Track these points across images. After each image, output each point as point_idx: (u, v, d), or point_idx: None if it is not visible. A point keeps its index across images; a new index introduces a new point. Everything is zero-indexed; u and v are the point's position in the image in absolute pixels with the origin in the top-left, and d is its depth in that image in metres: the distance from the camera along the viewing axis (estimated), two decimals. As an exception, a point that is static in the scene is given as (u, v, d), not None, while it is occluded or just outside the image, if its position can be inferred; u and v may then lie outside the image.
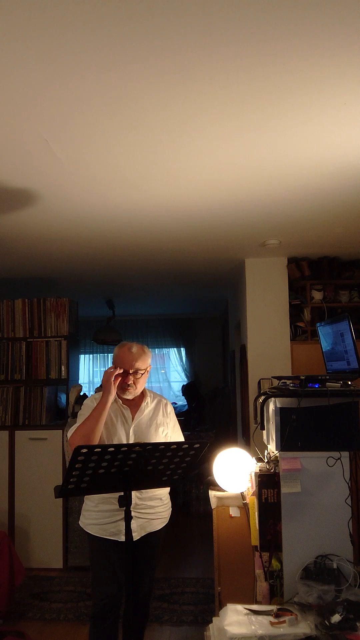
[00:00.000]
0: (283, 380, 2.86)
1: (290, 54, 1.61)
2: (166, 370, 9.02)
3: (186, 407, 8.36)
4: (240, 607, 2.28)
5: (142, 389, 2.64)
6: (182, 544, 4.97)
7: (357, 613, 2.12)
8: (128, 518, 2.15)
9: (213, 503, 2.95)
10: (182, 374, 8.87)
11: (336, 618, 2.09)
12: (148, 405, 2.65)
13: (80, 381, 5.91)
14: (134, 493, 2.41)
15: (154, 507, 2.55)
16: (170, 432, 2.69)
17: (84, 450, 1.95)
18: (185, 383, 8.66)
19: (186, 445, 2.11)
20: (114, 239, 3.72)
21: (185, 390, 8.49)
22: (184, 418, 7.70)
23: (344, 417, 2.51)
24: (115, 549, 2.48)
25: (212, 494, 3.01)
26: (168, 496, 2.68)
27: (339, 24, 1.48)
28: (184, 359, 8.85)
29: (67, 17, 1.43)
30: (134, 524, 2.42)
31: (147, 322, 8.66)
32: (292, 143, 2.22)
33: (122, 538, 2.41)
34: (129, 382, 2.53)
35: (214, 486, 3.03)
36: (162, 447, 2.09)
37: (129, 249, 4.02)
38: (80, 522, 2.61)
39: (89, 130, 2.07)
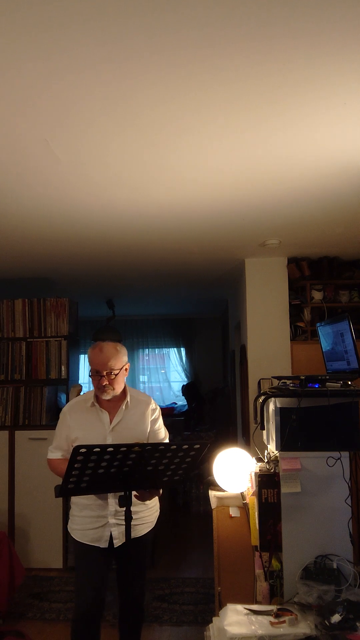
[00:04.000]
0: (283, 380, 2.86)
1: (290, 52, 1.61)
2: (166, 370, 9.02)
3: (186, 407, 8.36)
4: (240, 607, 2.28)
5: (122, 388, 2.55)
6: (182, 544, 4.97)
7: (357, 613, 2.12)
8: (128, 519, 2.14)
9: (213, 503, 2.95)
10: (182, 374, 8.87)
11: (336, 618, 2.09)
12: (128, 407, 2.56)
13: (80, 381, 5.90)
14: (114, 500, 2.41)
15: (138, 512, 2.49)
16: (153, 434, 2.62)
17: (83, 450, 1.95)
18: (185, 383, 8.66)
19: (186, 446, 2.10)
20: (113, 239, 3.72)
21: (185, 390, 8.49)
22: (184, 418, 7.71)
23: (344, 417, 2.51)
24: (97, 555, 2.48)
25: (212, 494, 3.01)
26: (155, 499, 2.62)
27: (339, 22, 1.48)
28: (184, 359, 8.85)
29: (65, 14, 1.43)
30: (115, 531, 2.45)
31: (147, 322, 8.66)
32: (292, 142, 2.22)
33: (103, 544, 2.46)
34: (104, 383, 2.45)
35: (214, 486, 3.03)
36: (162, 447, 2.09)
37: (128, 249, 4.02)
38: (68, 526, 2.63)
39: (86, 128, 2.06)
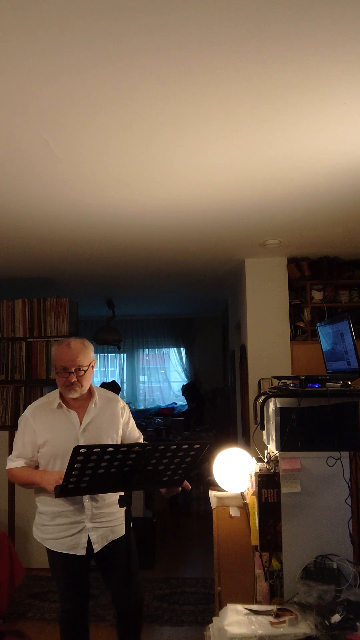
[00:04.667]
0: (283, 380, 2.86)
1: (290, 52, 1.61)
2: (166, 370, 9.03)
3: (186, 407, 8.36)
4: (240, 607, 2.28)
5: (89, 386, 2.48)
6: (182, 544, 4.97)
7: (357, 613, 2.12)
8: (128, 519, 2.11)
9: (213, 503, 2.95)
10: (182, 374, 8.88)
11: (336, 618, 2.10)
12: (97, 406, 2.48)
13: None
14: (90, 503, 2.37)
15: (114, 512, 2.43)
16: (128, 434, 2.59)
17: (83, 450, 1.94)
18: (185, 383, 8.66)
19: (186, 446, 2.08)
20: (113, 239, 3.72)
21: (185, 390, 8.49)
22: (184, 418, 7.71)
23: (344, 417, 2.51)
24: (75, 562, 2.40)
25: (212, 494, 3.01)
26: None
27: (339, 23, 1.48)
28: (184, 359, 8.85)
29: (64, 14, 1.43)
30: (93, 535, 2.38)
31: (147, 322, 8.66)
32: (292, 142, 2.22)
33: (81, 552, 2.38)
34: (73, 380, 2.37)
35: (214, 486, 3.02)
36: (162, 447, 2.07)
37: (128, 249, 4.02)
38: (35, 536, 2.50)
39: (86, 128, 2.06)
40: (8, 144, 2.18)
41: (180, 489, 2.41)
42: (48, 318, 4.71)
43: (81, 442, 2.37)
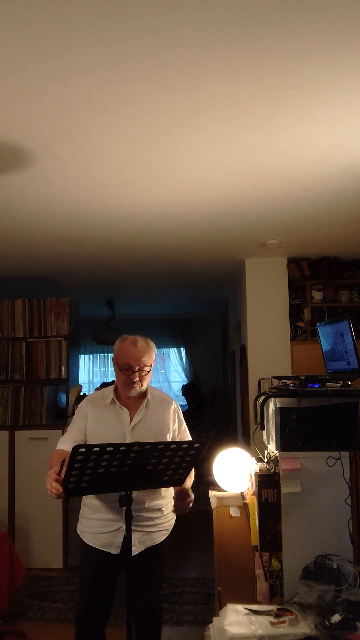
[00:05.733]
0: (283, 380, 2.86)
1: (290, 53, 1.61)
2: (166, 370, 9.02)
3: (186, 407, 8.36)
4: (240, 607, 2.29)
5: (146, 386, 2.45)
6: (182, 544, 4.97)
7: (357, 613, 2.12)
8: (128, 518, 2.08)
9: (213, 503, 2.95)
10: (182, 374, 8.88)
11: (336, 618, 2.10)
12: (149, 406, 2.44)
13: (80, 381, 5.91)
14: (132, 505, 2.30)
15: (154, 518, 2.39)
16: (178, 438, 2.51)
17: (82, 450, 1.93)
18: (185, 383, 8.66)
19: (186, 445, 2.07)
20: (114, 239, 3.72)
21: (185, 390, 8.49)
22: (184, 418, 7.70)
23: (344, 417, 2.51)
24: (106, 561, 2.35)
25: (212, 494, 3.01)
26: (171, 505, 2.50)
27: (339, 23, 1.48)
28: (184, 359, 8.86)
29: (66, 16, 1.43)
30: (132, 538, 2.28)
31: (147, 322, 8.66)
32: (292, 143, 2.22)
33: (115, 551, 2.32)
34: (135, 380, 2.34)
35: (214, 486, 3.03)
36: (161, 446, 2.06)
37: (129, 248, 4.02)
38: (77, 529, 2.50)
39: (88, 129, 2.06)
40: (12, 144, 2.18)
41: (191, 504, 2.41)
42: (48, 318, 4.72)
43: (128, 441, 2.33)
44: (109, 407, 2.43)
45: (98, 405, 2.46)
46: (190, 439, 2.58)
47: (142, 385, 2.38)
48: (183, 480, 2.21)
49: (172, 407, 2.52)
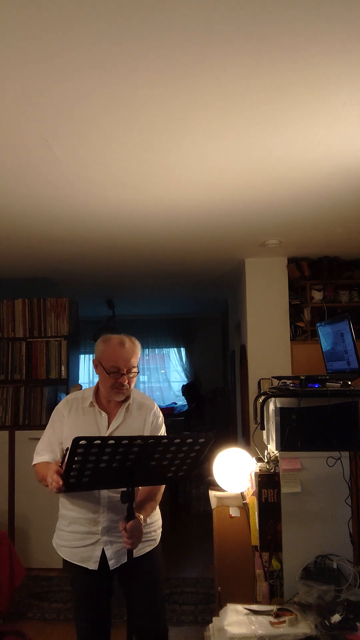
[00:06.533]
0: (283, 380, 2.86)
1: (290, 52, 1.61)
2: (166, 370, 9.02)
3: (186, 407, 8.36)
4: (240, 607, 2.28)
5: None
6: (182, 544, 4.97)
7: (357, 613, 2.12)
8: (130, 517, 1.96)
9: (213, 503, 2.95)
10: (182, 374, 8.88)
11: (336, 618, 2.10)
12: (129, 411, 2.27)
13: (80, 381, 5.90)
14: (107, 515, 2.16)
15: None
16: None
17: (83, 442, 1.84)
18: (185, 383, 8.66)
19: (190, 440, 1.97)
20: (113, 239, 3.72)
21: (185, 390, 8.49)
22: (184, 418, 7.71)
23: (344, 417, 2.51)
24: (88, 577, 2.18)
25: (212, 494, 3.01)
26: (157, 514, 2.34)
27: (339, 23, 1.48)
28: (184, 359, 8.86)
29: (65, 16, 1.43)
30: (109, 551, 2.15)
31: (147, 322, 8.66)
32: (292, 142, 2.22)
33: (92, 566, 2.16)
34: (125, 382, 2.18)
35: (214, 486, 3.02)
36: (165, 441, 1.97)
37: (128, 249, 4.02)
38: (53, 541, 2.33)
39: (87, 129, 2.06)
40: (10, 144, 2.18)
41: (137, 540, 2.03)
42: (48, 318, 4.72)
43: None
44: (87, 410, 2.26)
45: (76, 408, 2.29)
46: None
47: (130, 388, 2.23)
48: (187, 477, 2.13)
49: (151, 411, 2.32)
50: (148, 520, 2.24)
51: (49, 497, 4.33)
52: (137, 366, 2.25)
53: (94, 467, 1.94)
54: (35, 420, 4.58)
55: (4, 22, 1.45)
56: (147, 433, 2.27)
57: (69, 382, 4.73)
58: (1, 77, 1.70)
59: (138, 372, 2.25)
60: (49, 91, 1.79)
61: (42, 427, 4.50)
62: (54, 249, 3.97)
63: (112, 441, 1.88)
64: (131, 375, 2.21)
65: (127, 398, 2.28)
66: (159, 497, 2.29)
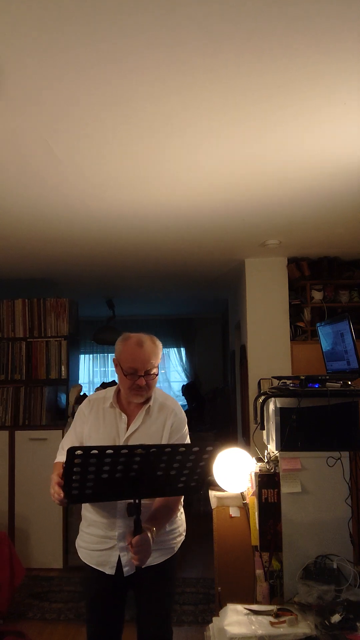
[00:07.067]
0: (283, 380, 2.86)
1: (290, 51, 1.60)
2: (166, 370, 9.02)
3: (186, 407, 8.36)
4: (240, 607, 2.28)
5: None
6: (183, 544, 4.96)
7: (357, 613, 2.12)
8: (138, 530, 1.87)
9: (213, 503, 2.95)
10: (182, 374, 8.88)
11: (336, 618, 2.09)
12: (150, 413, 2.16)
13: (80, 381, 5.91)
14: (124, 520, 2.06)
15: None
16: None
17: (79, 452, 1.77)
18: (185, 383, 8.66)
19: (197, 448, 1.87)
20: (113, 239, 3.72)
21: (185, 390, 8.49)
22: (184, 418, 7.70)
23: (344, 417, 2.51)
24: (103, 581, 2.13)
25: (212, 494, 3.00)
26: (179, 521, 2.25)
27: (339, 22, 1.48)
28: (184, 359, 8.85)
29: (63, 14, 1.42)
30: (124, 557, 2.09)
31: (147, 322, 8.66)
32: (292, 142, 2.22)
33: (109, 571, 2.11)
34: (143, 385, 2.07)
35: (214, 486, 3.02)
36: (169, 449, 1.86)
37: (128, 249, 4.02)
38: (76, 542, 2.29)
39: (85, 128, 2.06)
40: (8, 144, 2.18)
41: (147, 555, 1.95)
42: (48, 318, 4.72)
43: None
44: (108, 410, 2.18)
45: (97, 408, 2.21)
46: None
47: (149, 390, 2.12)
48: (200, 488, 2.00)
49: (172, 414, 2.20)
50: (167, 528, 2.16)
51: (49, 498, 4.33)
52: (158, 367, 2.13)
53: (95, 478, 1.85)
54: (35, 420, 4.58)
55: (3, 22, 1.44)
56: (166, 436, 2.16)
57: (69, 382, 4.73)
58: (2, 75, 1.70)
59: (157, 373, 2.13)
60: (46, 90, 1.78)
61: (42, 427, 4.54)
62: (54, 249, 3.96)
63: (110, 451, 1.80)
64: (150, 377, 2.09)
65: (148, 399, 2.17)
66: (178, 506, 2.19)
